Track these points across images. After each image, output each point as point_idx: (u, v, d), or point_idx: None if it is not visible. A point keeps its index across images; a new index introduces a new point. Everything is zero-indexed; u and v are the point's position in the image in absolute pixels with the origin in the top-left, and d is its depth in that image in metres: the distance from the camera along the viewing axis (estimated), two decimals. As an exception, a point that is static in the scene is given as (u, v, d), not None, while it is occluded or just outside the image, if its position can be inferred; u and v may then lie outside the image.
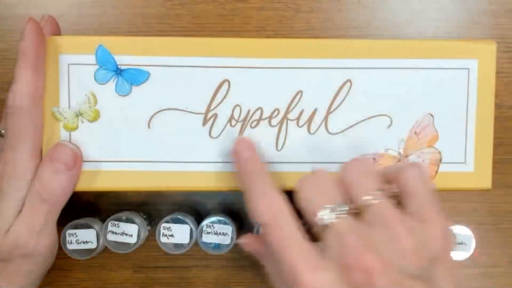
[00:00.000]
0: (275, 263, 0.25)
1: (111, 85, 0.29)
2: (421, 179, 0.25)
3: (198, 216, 0.36)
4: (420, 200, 0.24)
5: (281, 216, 0.25)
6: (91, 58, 0.29)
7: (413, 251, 0.23)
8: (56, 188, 0.27)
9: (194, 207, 0.37)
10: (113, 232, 0.32)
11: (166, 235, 0.33)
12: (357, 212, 0.24)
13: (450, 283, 0.23)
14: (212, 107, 0.29)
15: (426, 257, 0.23)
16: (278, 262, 0.24)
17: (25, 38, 0.27)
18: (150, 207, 0.37)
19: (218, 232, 0.33)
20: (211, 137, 0.29)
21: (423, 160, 0.30)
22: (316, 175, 0.25)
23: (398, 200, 0.25)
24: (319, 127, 0.29)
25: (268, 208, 0.25)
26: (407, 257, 0.23)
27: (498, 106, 0.35)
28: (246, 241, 0.29)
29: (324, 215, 0.24)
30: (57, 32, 0.30)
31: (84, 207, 0.36)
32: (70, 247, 0.33)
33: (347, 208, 0.24)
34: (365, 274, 0.22)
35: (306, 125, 0.29)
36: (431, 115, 0.30)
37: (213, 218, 0.33)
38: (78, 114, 0.29)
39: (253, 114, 0.29)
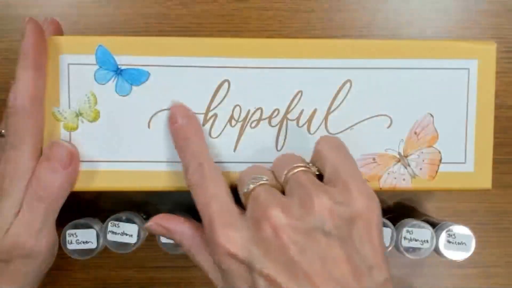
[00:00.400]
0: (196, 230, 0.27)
1: (111, 85, 0.29)
2: (333, 146, 0.26)
3: (198, 216, 0.36)
4: (334, 164, 0.25)
5: (209, 176, 0.26)
6: (91, 58, 0.29)
7: (327, 210, 0.23)
8: (53, 187, 0.27)
9: (193, 207, 0.37)
10: (113, 232, 0.32)
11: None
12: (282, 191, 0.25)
13: (367, 245, 0.23)
14: (212, 107, 0.29)
15: (342, 216, 0.23)
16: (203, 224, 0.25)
17: (25, 38, 0.27)
18: (150, 207, 0.37)
19: (218, 232, 0.33)
20: (211, 137, 0.29)
21: (423, 160, 0.30)
22: (252, 165, 0.27)
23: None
24: (319, 127, 0.29)
25: (197, 170, 0.26)
26: (319, 215, 0.23)
27: (498, 106, 0.35)
28: (151, 222, 0.28)
29: (249, 186, 0.25)
30: (60, 34, 0.30)
31: (84, 207, 0.36)
32: (70, 247, 0.33)
33: (267, 178, 0.25)
34: (272, 229, 0.22)
35: (306, 125, 0.29)
36: (431, 115, 0.30)
37: (213, 218, 0.33)
38: (78, 114, 0.29)
39: (253, 114, 0.29)
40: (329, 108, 0.29)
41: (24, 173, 0.27)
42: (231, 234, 0.23)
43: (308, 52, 0.29)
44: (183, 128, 0.28)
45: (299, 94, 0.29)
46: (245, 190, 0.25)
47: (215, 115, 0.29)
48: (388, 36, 0.36)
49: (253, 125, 0.29)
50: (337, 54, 0.29)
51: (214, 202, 0.25)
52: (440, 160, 0.30)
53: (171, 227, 0.27)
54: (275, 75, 0.29)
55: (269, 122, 0.29)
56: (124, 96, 0.29)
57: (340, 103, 0.29)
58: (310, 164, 0.26)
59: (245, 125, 0.29)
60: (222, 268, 0.24)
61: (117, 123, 0.29)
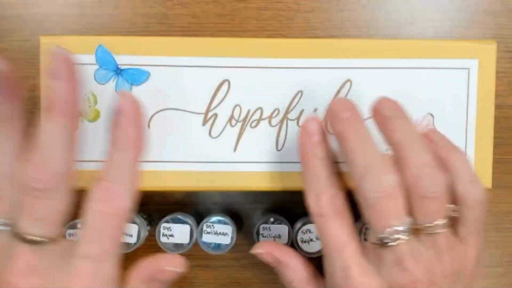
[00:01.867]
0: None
1: (111, 85, 0.29)
2: (479, 198, 0.26)
3: (198, 216, 0.36)
4: (472, 221, 0.25)
5: (343, 213, 0.26)
6: (91, 58, 0.29)
7: (451, 273, 0.24)
8: None
9: (194, 207, 0.37)
10: (113, 232, 0.32)
11: (166, 235, 0.33)
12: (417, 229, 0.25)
13: None
14: (212, 107, 0.29)
15: (456, 276, 0.25)
16: (328, 260, 0.26)
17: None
18: (150, 207, 0.37)
19: (218, 232, 0.33)
20: (211, 137, 0.29)
21: (423, 160, 0.30)
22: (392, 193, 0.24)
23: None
24: (319, 127, 0.29)
25: (328, 201, 0.26)
26: (446, 279, 0.24)
27: (498, 106, 0.35)
28: (263, 250, 0.29)
29: (389, 236, 0.24)
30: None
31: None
32: (70, 247, 0.32)
33: (409, 225, 0.24)
34: None
35: (306, 125, 0.29)
36: (431, 115, 0.30)
37: (213, 218, 0.33)
38: (78, 114, 0.29)
39: (253, 114, 0.29)
40: (329, 108, 0.29)
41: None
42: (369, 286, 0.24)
43: (308, 52, 0.29)
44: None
45: (299, 94, 0.29)
46: (385, 239, 0.24)
47: (215, 115, 0.29)
48: (388, 36, 0.36)
49: (253, 125, 0.29)
50: (337, 54, 0.29)
51: (349, 247, 0.25)
52: (440, 160, 0.30)
53: (284, 260, 0.28)
54: (275, 75, 0.29)
55: (269, 122, 0.29)
56: (124, 96, 0.29)
57: (340, 103, 0.29)
58: (450, 211, 0.25)
59: (245, 125, 0.29)
60: None
61: (117, 123, 0.29)
